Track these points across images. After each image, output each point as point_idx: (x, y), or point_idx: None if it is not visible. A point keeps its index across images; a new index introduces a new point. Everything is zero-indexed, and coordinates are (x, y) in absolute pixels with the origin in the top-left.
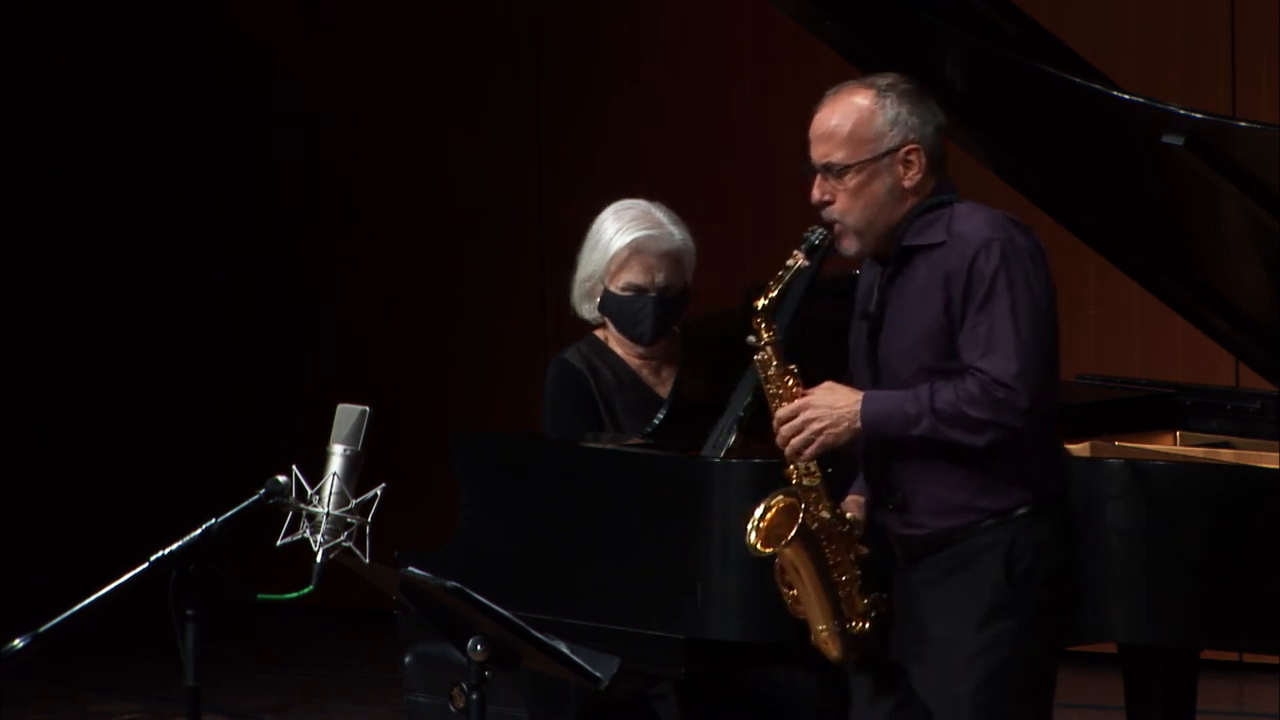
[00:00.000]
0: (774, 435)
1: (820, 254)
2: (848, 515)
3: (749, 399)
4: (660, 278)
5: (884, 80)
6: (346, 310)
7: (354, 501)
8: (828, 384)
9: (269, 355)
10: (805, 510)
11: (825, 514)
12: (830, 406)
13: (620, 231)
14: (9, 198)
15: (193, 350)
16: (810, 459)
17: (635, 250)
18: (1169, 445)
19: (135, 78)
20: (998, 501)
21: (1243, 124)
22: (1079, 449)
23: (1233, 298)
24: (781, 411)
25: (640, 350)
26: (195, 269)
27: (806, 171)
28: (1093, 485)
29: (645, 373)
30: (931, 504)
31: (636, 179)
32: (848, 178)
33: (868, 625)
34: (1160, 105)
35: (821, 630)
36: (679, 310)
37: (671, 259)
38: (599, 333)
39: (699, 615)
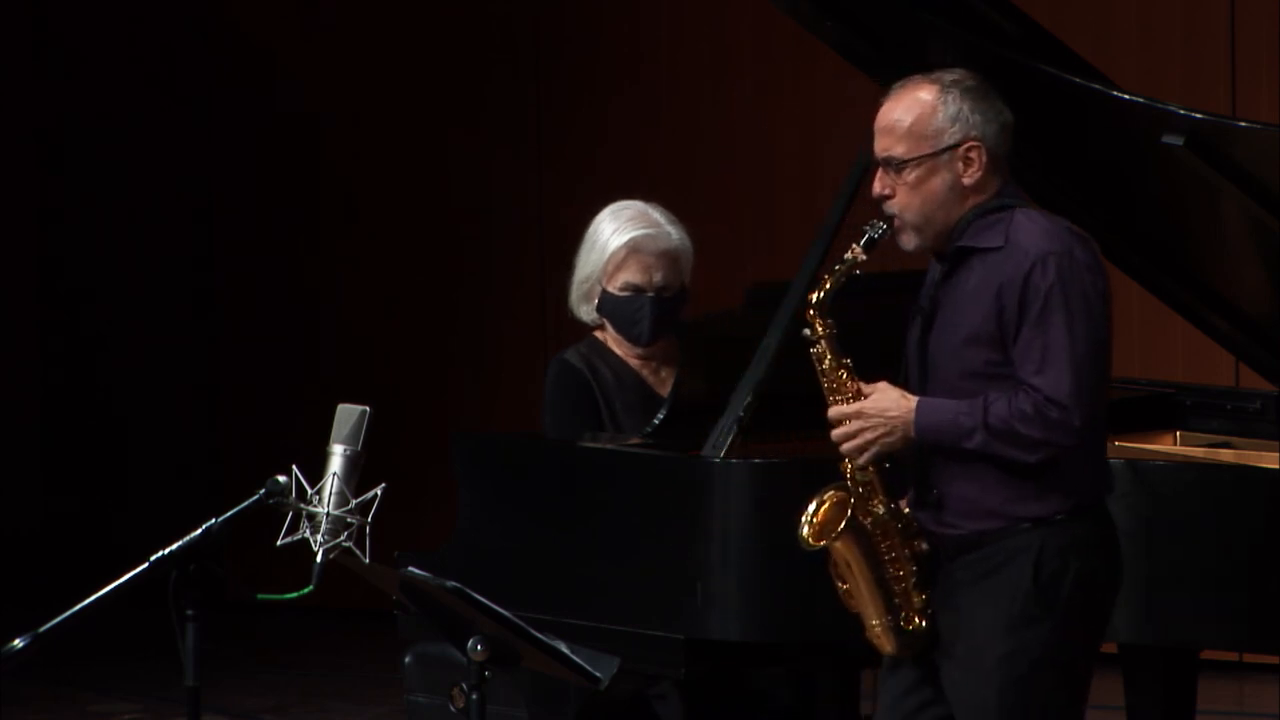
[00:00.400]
0: (828, 431)
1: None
2: (905, 510)
3: (749, 399)
4: (658, 277)
5: (949, 76)
6: (346, 310)
7: (354, 501)
8: (883, 385)
9: (269, 355)
10: (856, 505)
11: (879, 509)
12: (883, 413)
13: (617, 231)
14: (9, 198)
15: (193, 350)
16: (865, 464)
17: (632, 250)
18: (1169, 445)
19: (135, 78)
20: (1033, 508)
21: (1243, 124)
22: None
23: (1233, 298)
24: (834, 412)
25: (639, 351)
26: (195, 269)
27: (871, 164)
28: None
29: (645, 373)
30: (963, 505)
31: (636, 179)
32: (906, 172)
33: (924, 622)
34: (1160, 105)
35: (875, 625)
36: (677, 310)
37: (669, 258)
38: (598, 334)
39: (699, 615)
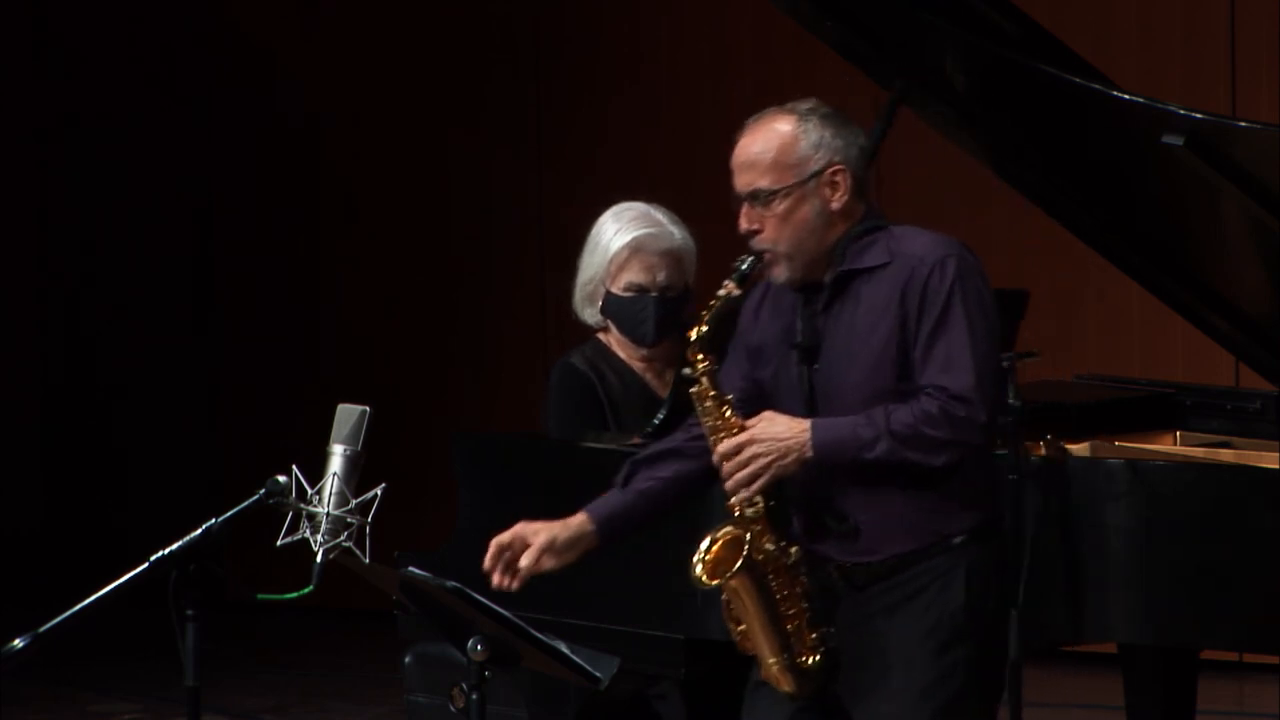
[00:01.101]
0: (718, 469)
1: (750, 282)
2: (792, 548)
3: None
4: (661, 277)
5: (804, 105)
6: (346, 310)
7: (354, 501)
8: (767, 414)
9: (269, 355)
10: (750, 543)
11: (769, 546)
12: (775, 439)
13: (620, 232)
14: (9, 198)
15: (193, 350)
16: (756, 493)
17: (635, 249)
18: (1169, 445)
19: (135, 78)
20: (949, 525)
21: (1243, 124)
22: (1079, 449)
23: (1233, 298)
24: (724, 446)
25: (643, 352)
26: (195, 269)
27: (733, 201)
28: (1093, 485)
29: (649, 376)
30: (880, 530)
31: (636, 179)
32: (775, 204)
33: (818, 658)
34: (1160, 105)
35: (773, 664)
36: (681, 310)
37: (672, 258)
38: (602, 336)
39: (699, 615)
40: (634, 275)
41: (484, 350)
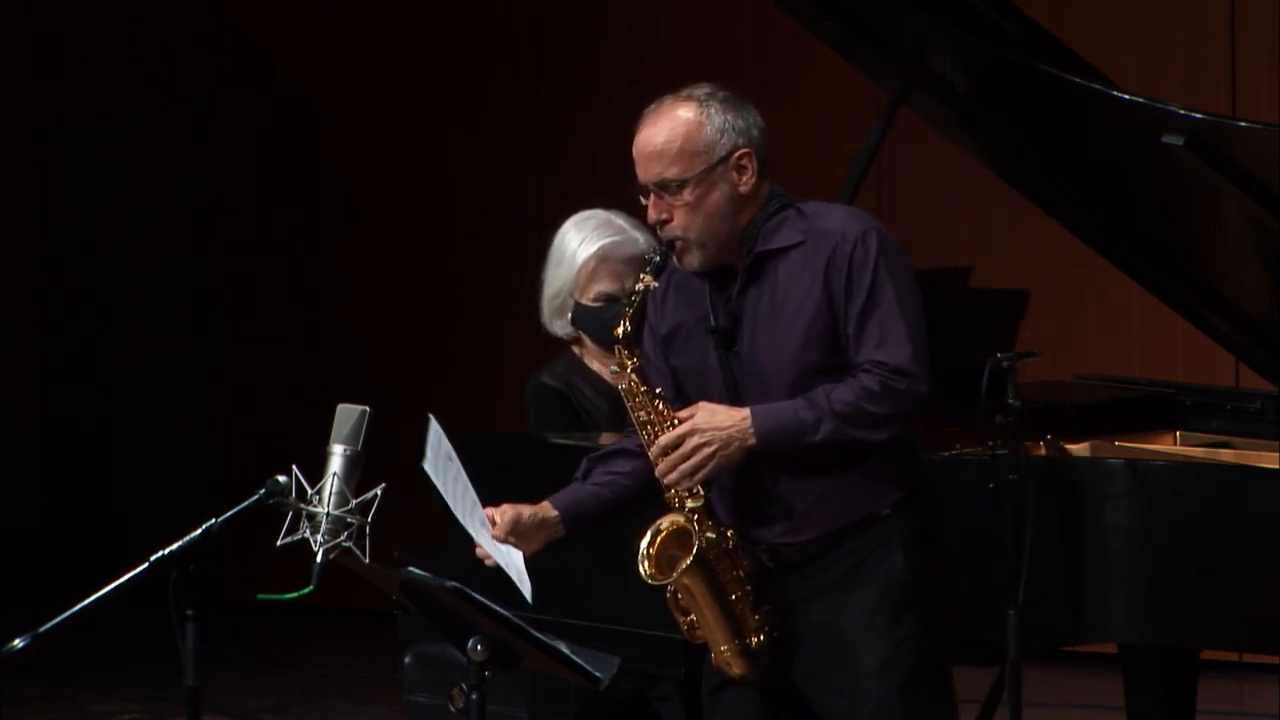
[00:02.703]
0: (655, 462)
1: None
2: (729, 532)
3: None
4: (630, 283)
5: (701, 90)
6: (346, 310)
7: (354, 501)
8: (704, 405)
9: (269, 355)
10: (697, 534)
11: (711, 534)
12: (717, 428)
13: (585, 242)
14: (9, 198)
15: (192, 350)
16: (698, 483)
17: (602, 259)
18: (1169, 445)
19: (135, 78)
20: (878, 500)
21: (1243, 124)
22: (1079, 449)
23: (1233, 298)
24: (665, 439)
25: None
26: (195, 269)
27: (638, 193)
28: (1093, 485)
29: None
30: (811, 508)
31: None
32: (686, 192)
33: (762, 639)
34: (1160, 105)
35: (724, 650)
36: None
37: (638, 264)
38: (575, 348)
39: None
40: (603, 285)
41: (484, 350)
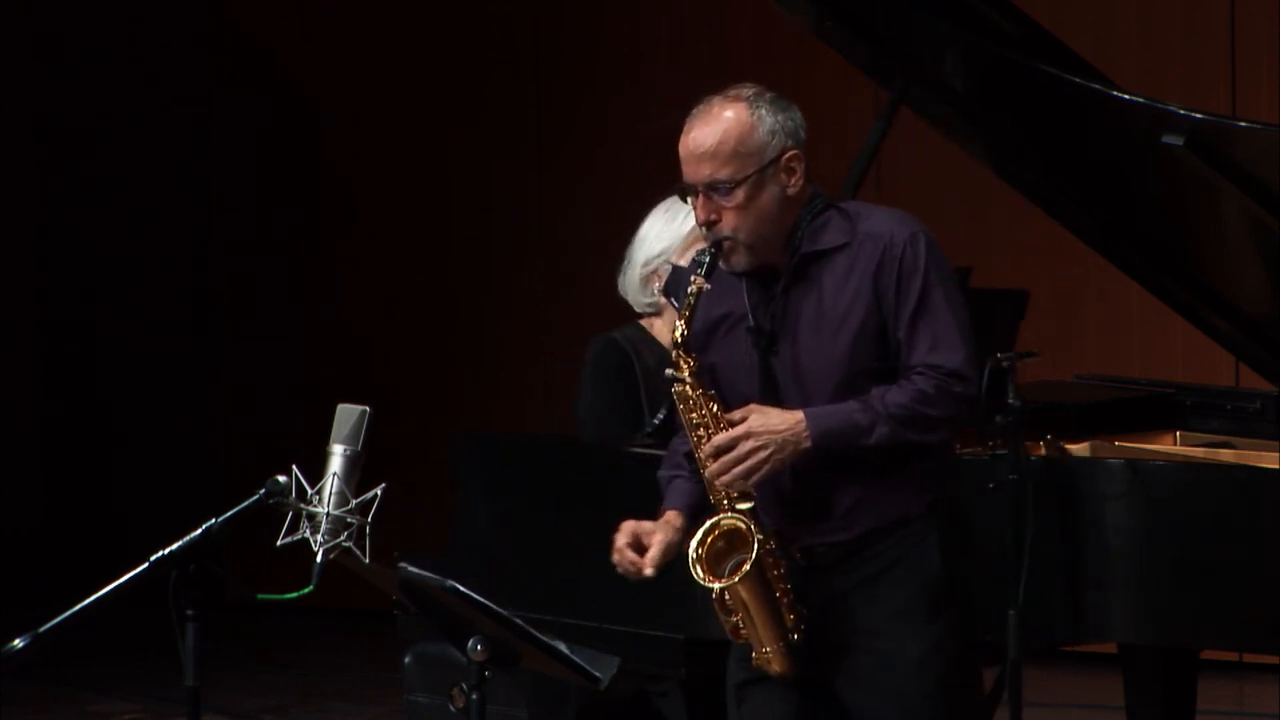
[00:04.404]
0: (703, 464)
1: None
2: (771, 531)
3: None
4: None
5: (749, 90)
6: (346, 310)
7: (354, 501)
8: (756, 407)
9: (269, 355)
10: (754, 536)
11: (760, 535)
12: (772, 431)
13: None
14: (9, 197)
15: (192, 350)
16: (751, 486)
17: None
18: (1169, 445)
19: (135, 78)
20: (912, 503)
21: (1243, 124)
22: (1079, 449)
23: (1233, 298)
24: (719, 440)
25: None
26: (195, 269)
27: (686, 192)
28: (1093, 485)
29: None
30: (848, 508)
31: (636, 180)
32: (737, 193)
33: (798, 637)
34: (1160, 105)
35: (767, 651)
36: None
37: None
38: (644, 322)
39: (699, 615)
40: None
41: (484, 350)
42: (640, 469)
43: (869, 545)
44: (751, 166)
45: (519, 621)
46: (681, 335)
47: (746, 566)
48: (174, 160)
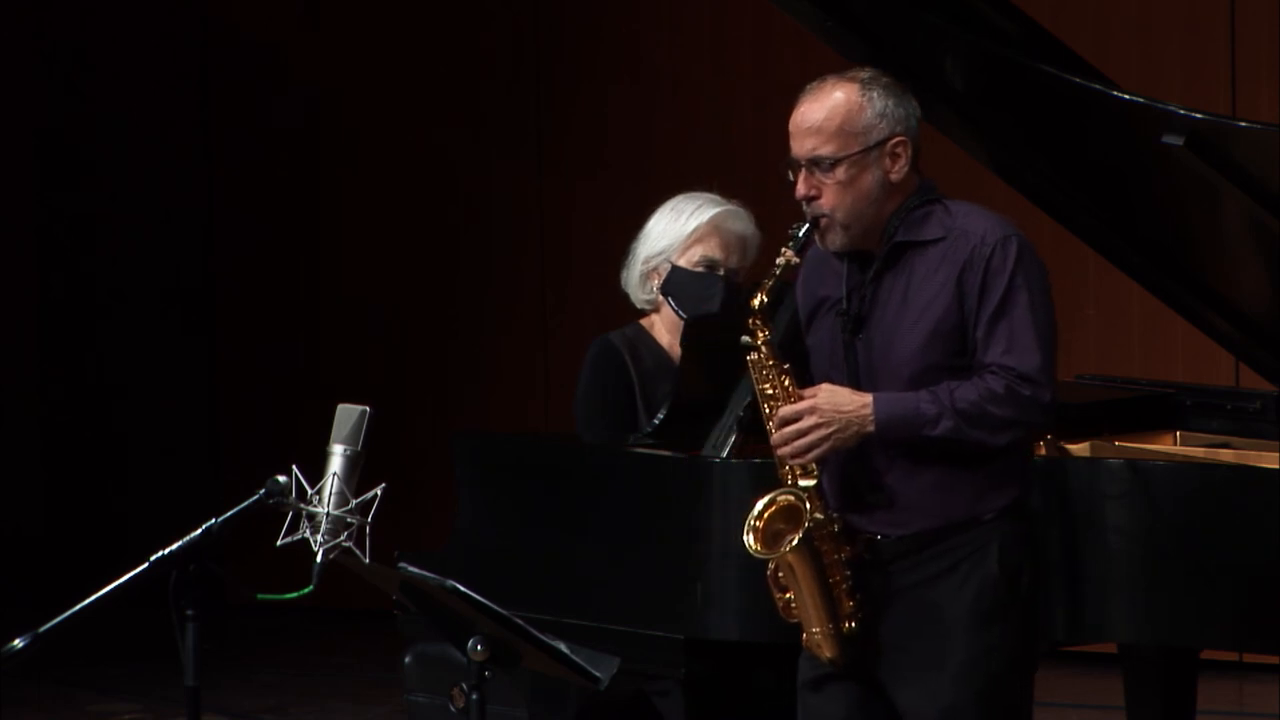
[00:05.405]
0: (770, 434)
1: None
2: (835, 515)
3: (749, 399)
4: (733, 259)
5: (864, 74)
6: (347, 310)
7: (354, 501)
8: (827, 386)
9: (269, 355)
10: (809, 514)
11: (819, 514)
12: (838, 409)
13: (701, 208)
14: (9, 197)
15: (193, 350)
16: (811, 462)
17: (717, 226)
18: (1169, 445)
19: (135, 78)
20: (982, 503)
21: (1243, 124)
22: (1079, 449)
23: (1233, 298)
24: (785, 411)
25: None
26: (195, 269)
27: (790, 166)
28: (1093, 485)
29: None
30: (914, 503)
31: (637, 179)
32: (838, 171)
33: (854, 625)
34: (1160, 105)
35: (815, 633)
36: (738, 301)
37: (745, 244)
38: (645, 320)
39: (699, 615)
40: (710, 249)
41: (484, 350)
42: (640, 469)
43: (931, 544)
44: (855, 146)
45: (519, 621)
46: (760, 303)
47: (792, 541)
48: (174, 160)
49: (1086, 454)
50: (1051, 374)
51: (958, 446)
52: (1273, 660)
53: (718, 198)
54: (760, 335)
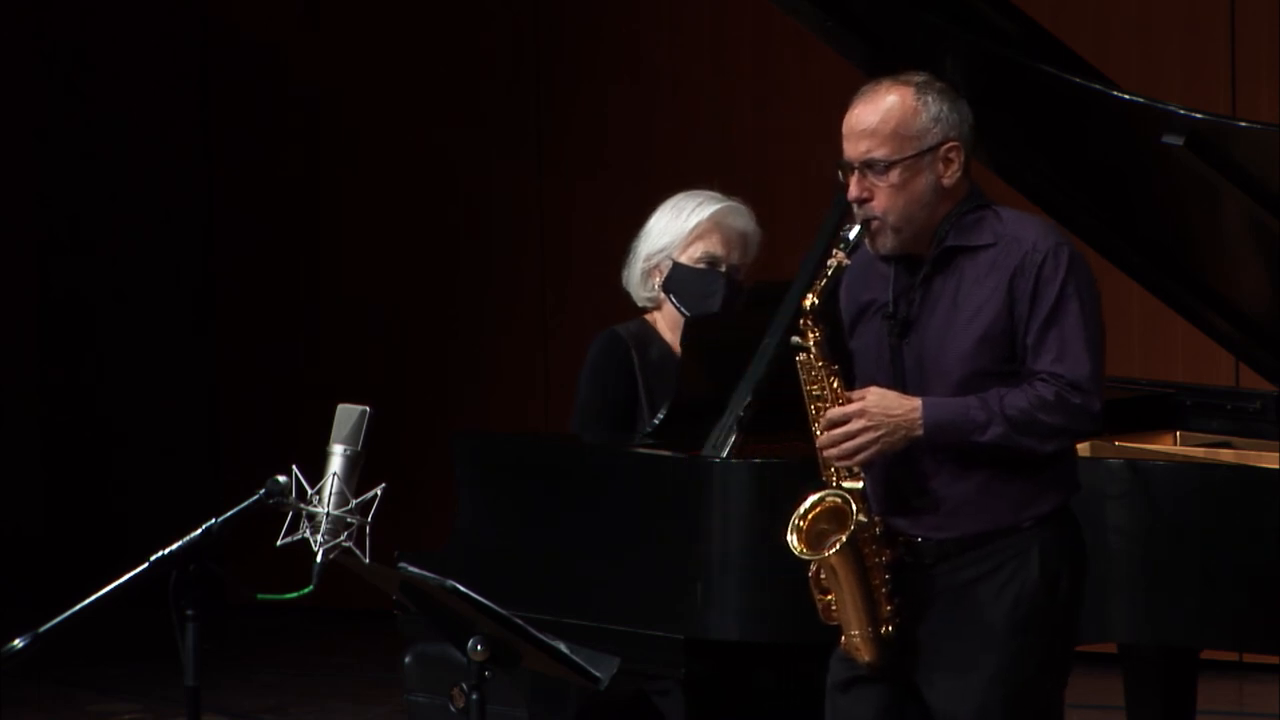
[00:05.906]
0: (817, 436)
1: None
2: (877, 518)
3: (749, 399)
4: (735, 256)
5: (919, 78)
6: (347, 310)
7: (354, 501)
8: (876, 389)
9: (269, 355)
10: (854, 516)
11: (863, 517)
12: (887, 413)
13: (701, 205)
14: (9, 198)
15: (193, 350)
16: (857, 465)
17: (719, 222)
18: (1169, 445)
19: (135, 78)
20: (1026, 509)
21: (1243, 124)
22: (1079, 449)
23: (1233, 298)
24: (834, 413)
25: None
26: (195, 269)
27: (841, 168)
28: (1093, 485)
29: None
30: (959, 507)
31: (637, 179)
32: (892, 174)
33: (892, 629)
34: (1160, 105)
35: (855, 635)
36: (739, 298)
37: (745, 241)
38: (649, 317)
39: (699, 615)
40: (711, 246)
41: (484, 350)
42: (640, 469)
43: (972, 548)
44: (909, 149)
45: (519, 621)
46: (811, 305)
47: (838, 543)
48: (174, 160)
49: (1087, 454)
50: (1100, 383)
51: (1005, 453)
52: (1273, 660)
53: (718, 195)
54: (811, 336)
